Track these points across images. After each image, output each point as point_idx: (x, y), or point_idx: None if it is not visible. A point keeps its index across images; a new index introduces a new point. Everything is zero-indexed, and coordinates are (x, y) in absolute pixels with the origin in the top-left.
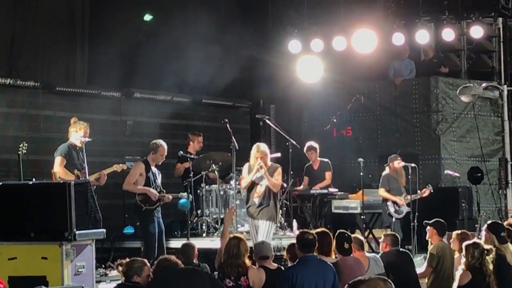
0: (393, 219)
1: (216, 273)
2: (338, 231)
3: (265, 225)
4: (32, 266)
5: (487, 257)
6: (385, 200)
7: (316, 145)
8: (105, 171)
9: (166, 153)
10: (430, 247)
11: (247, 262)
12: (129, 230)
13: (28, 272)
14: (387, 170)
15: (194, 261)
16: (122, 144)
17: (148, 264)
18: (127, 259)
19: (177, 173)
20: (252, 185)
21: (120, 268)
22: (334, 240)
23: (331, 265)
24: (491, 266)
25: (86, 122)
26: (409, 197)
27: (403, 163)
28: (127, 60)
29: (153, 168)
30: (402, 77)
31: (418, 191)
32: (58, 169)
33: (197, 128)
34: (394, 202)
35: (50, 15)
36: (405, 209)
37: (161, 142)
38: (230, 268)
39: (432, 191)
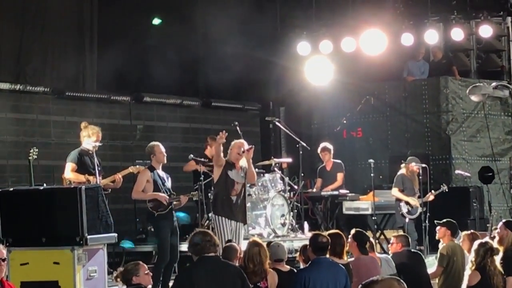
0: (407, 220)
1: None
2: (355, 229)
3: (242, 227)
4: (44, 271)
5: (494, 257)
6: (398, 200)
7: (330, 146)
8: (120, 174)
9: (164, 149)
10: (440, 247)
11: (267, 266)
12: (127, 244)
13: (40, 277)
14: (402, 170)
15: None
16: (132, 148)
17: (142, 263)
18: (121, 269)
19: (186, 168)
20: (225, 181)
21: (119, 280)
22: (352, 240)
23: (343, 267)
24: (498, 266)
25: (97, 126)
26: (419, 200)
27: (418, 166)
28: (136, 64)
29: (161, 172)
30: (413, 77)
31: (429, 193)
32: (70, 175)
33: (208, 131)
34: (407, 203)
35: (59, 20)
36: (418, 210)
37: (153, 142)
38: (255, 275)
39: (445, 190)
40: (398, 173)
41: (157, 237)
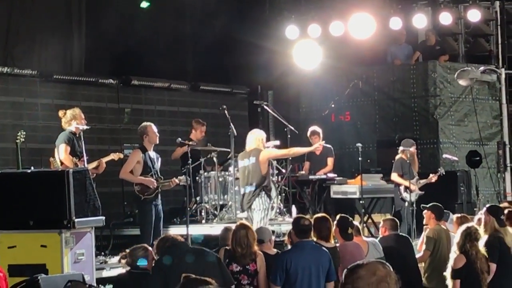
0: (406, 204)
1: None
2: (339, 215)
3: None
4: (31, 254)
5: (475, 242)
6: (397, 185)
7: (319, 129)
8: (104, 159)
9: (156, 130)
10: (426, 231)
11: (256, 249)
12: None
13: (28, 260)
14: (400, 155)
15: None
16: (120, 131)
17: (150, 248)
18: (127, 250)
19: (174, 155)
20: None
21: (124, 261)
22: (335, 225)
23: (327, 250)
24: (482, 251)
25: (76, 108)
26: (421, 181)
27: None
28: (124, 47)
29: (152, 153)
30: (400, 61)
31: (431, 174)
32: (64, 156)
33: (196, 115)
34: (407, 187)
35: (47, 3)
36: (418, 194)
37: (146, 123)
38: (244, 258)
39: (443, 174)
40: (397, 157)
41: (141, 220)
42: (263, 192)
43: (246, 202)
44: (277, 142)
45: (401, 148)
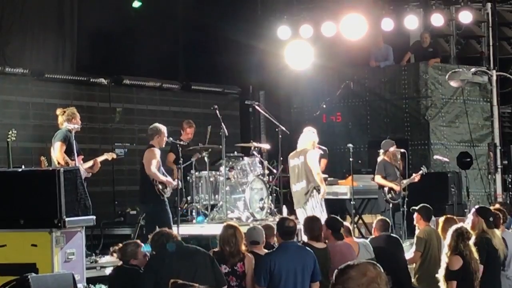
0: (391, 205)
1: None
2: (329, 216)
3: None
4: (22, 254)
5: (467, 241)
6: (381, 187)
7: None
8: (98, 159)
9: None
10: (417, 232)
11: (244, 249)
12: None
13: (18, 259)
14: (382, 156)
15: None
16: (111, 131)
17: (142, 245)
18: (120, 245)
19: (169, 162)
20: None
21: (115, 255)
22: (326, 227)
23: (311, 250)
24: (474, 250)
25: (73, 108)
26: (404, 181)
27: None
28: (116, 46)
29: None
30: (377, 63)
31: (413, 174)
32: (58, 154)
33: (187, 115)
34: (391, 189)
35: (38, 2)
36: (402, 195)
37: (160, 124)
38: (232, 257)
39: (425, 173)
40: (379, 159)
41: (163, 218)
42: (315, 191)
43: (301, 199)
44: (268, 146)
45: (381, 150)
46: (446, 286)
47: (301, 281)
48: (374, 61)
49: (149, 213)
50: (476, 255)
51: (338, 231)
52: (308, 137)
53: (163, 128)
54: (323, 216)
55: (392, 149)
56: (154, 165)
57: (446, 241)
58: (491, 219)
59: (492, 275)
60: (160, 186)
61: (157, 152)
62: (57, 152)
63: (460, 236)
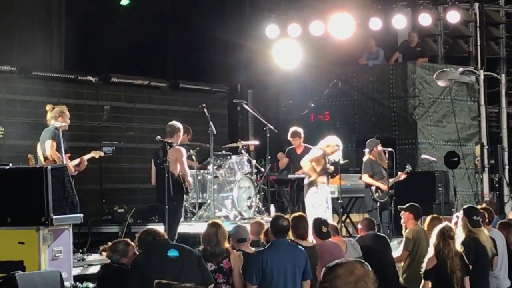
0: (378, 204)
1: None
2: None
3: None
4: (9, 251)
5: (450, 240)
6: (368, 185)
7: (300, 130)
8: (85, 157)
9: None
10: (405, 231)
11: (227, 246)
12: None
13: (5, 257)
14: (367, 156)
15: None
16: (99, 129)
17: (132, 243)
18: (109, 244)
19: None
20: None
21: (105, 254)
22: (311, 228)
23: (303, 249)
24: (459, 248)
25: (63, 106)
26: (390, 180)
27: (382, 149)
28: (104, 44)
29: None
30: (367, 61)
31: (399, 173)
32: (51, 152)
33: (175, 113)
34: (378, 188)
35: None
36: (388, 193)
37: (178, 123)
38: (214, 256)
39: (409, 171)
40: (364, 159)
41: (178, 216)
42: (312, 187)
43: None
44: (256, 142)
45: (366, 150)
46: (422, 285)
47: (292, 279)
48: (365, 59)
49: (171, 210)
50: (458, 252)
51: (320, 231)
52: (326, 141)
53: (181, 126)
54: (326, 214)
55: (377, 148)
56: (186, 164)
57: (431, 241)
58: (474, 217)
59: (481, 275)
60: (187, 184)
61: (184, 151)
62: (49, 150)
63: (442, 235)
